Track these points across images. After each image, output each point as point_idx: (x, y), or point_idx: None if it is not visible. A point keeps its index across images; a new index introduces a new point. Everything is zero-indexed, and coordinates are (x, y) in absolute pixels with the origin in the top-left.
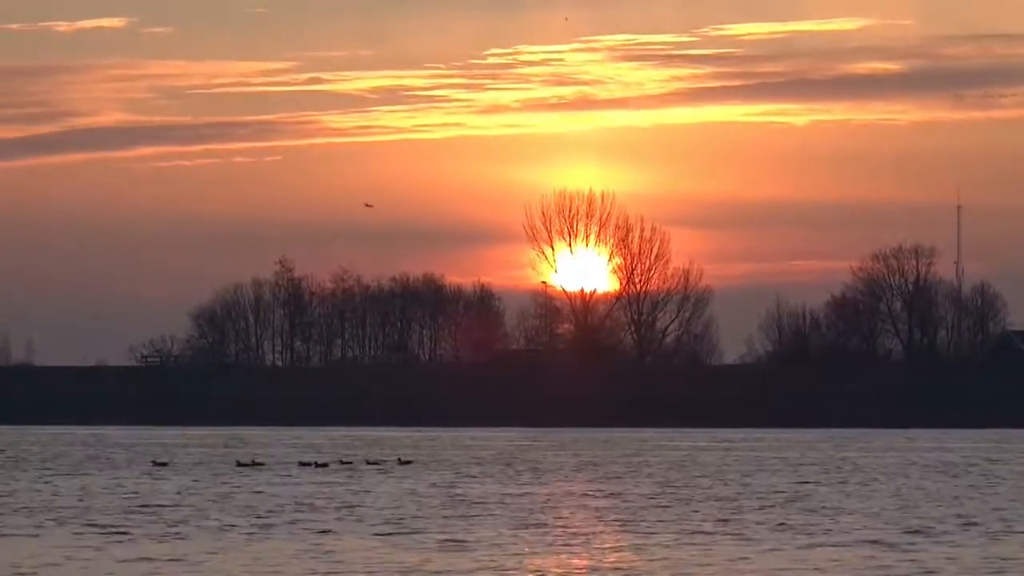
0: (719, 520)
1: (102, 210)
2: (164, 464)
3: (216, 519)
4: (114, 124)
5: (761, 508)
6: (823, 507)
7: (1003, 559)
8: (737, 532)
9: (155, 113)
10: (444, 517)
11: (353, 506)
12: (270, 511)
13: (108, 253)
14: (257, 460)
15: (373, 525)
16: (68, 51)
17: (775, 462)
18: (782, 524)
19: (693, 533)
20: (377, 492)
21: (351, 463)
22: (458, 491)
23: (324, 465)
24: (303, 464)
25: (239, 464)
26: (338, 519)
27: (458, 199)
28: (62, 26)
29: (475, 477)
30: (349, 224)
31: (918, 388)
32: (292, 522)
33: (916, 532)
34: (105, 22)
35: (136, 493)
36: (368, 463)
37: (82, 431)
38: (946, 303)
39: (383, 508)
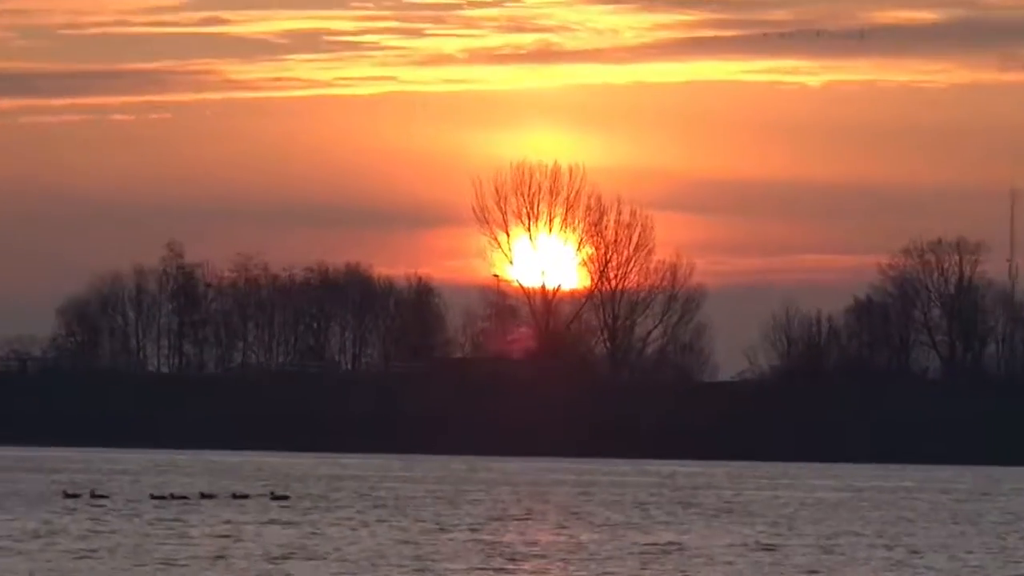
0: None
1: None
2: None
3: None
4: None
5: None
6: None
7: None
8: None
9: (12, 57)
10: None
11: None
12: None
13: None
14: (98, 492)
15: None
16: None
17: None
18: None
19: None
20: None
21: (215, 496)
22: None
23: (183, 498)
24: (156, 497)
25: (67, 495)
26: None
27: (390, 171)
28: None
29: (350, 519)
30: (254, 200)
31: (960, 414)
32: None
33: None
34: None
35: None
36: (235, 497)
37: None
38: (996, 309)
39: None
